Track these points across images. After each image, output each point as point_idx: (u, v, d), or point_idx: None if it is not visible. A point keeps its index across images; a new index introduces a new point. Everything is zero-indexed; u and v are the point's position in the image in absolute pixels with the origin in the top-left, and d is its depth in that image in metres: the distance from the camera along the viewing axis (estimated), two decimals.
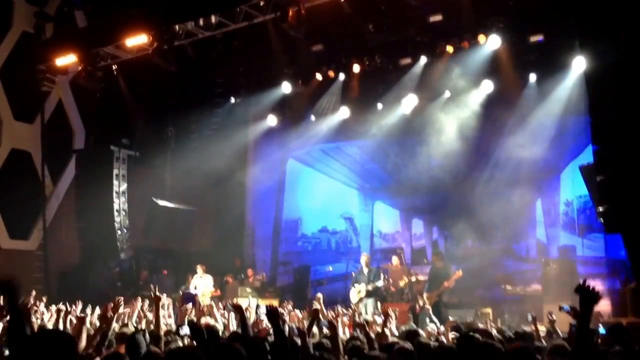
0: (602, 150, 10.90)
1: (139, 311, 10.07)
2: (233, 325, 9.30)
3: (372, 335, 7.13)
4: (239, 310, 7.49)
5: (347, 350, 6.37)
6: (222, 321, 9.65)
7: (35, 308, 9.77)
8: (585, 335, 4.37)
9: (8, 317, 4.65)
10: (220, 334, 7.81)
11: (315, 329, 8.14)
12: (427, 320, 11.79)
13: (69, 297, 11.76)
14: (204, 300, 15.56)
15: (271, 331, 5.91)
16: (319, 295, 8.82)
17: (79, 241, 18.79)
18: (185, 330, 7.46)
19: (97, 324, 7.37)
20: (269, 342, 5.85)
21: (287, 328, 8.00)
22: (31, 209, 18.30)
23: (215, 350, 4.89)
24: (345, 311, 11.57)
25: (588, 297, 4.34)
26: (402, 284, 15.79)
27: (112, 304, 7.11)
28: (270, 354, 5.55)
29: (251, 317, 10.47)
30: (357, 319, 10.40)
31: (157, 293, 7.76)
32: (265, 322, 9.55)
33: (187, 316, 9.37)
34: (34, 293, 10.62)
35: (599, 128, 11.00)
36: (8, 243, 17.83)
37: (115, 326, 7.50)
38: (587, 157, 13.95)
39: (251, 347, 5.22)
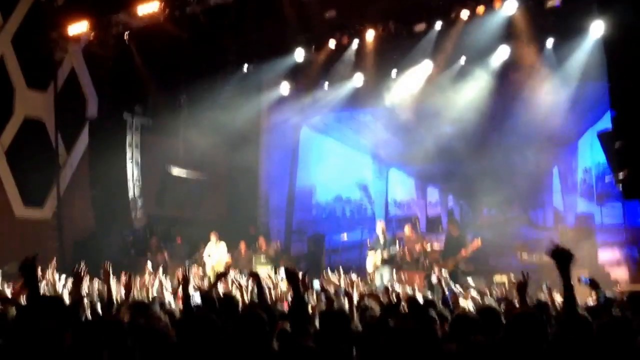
0: (620, 116, 10.74)
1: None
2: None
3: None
4: (255, 277, 7.41)
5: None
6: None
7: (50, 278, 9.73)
8: (571, 295, 4.51)
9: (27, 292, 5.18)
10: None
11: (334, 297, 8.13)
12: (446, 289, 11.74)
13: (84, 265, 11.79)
14: (218, 268, 15.62)
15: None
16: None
17: (93, 210, 18.81)
18: (197, 299, 7.38)
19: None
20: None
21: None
22: (45, 177, 18.20)
23: (234, 319, 4.83)
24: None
25: (562, 257, 4.53)
26: (417, 249, 15.75)
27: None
28: (288, 317, 5.55)
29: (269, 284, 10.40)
30: (366, 289, 10.33)
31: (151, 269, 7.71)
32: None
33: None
34: (54, 263, 10.48)
35: (617, 93, 10.84)
36: (22, 211, 17.82)
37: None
38: (605, 123, 13.77)
39: (269, 313, 5.18)
